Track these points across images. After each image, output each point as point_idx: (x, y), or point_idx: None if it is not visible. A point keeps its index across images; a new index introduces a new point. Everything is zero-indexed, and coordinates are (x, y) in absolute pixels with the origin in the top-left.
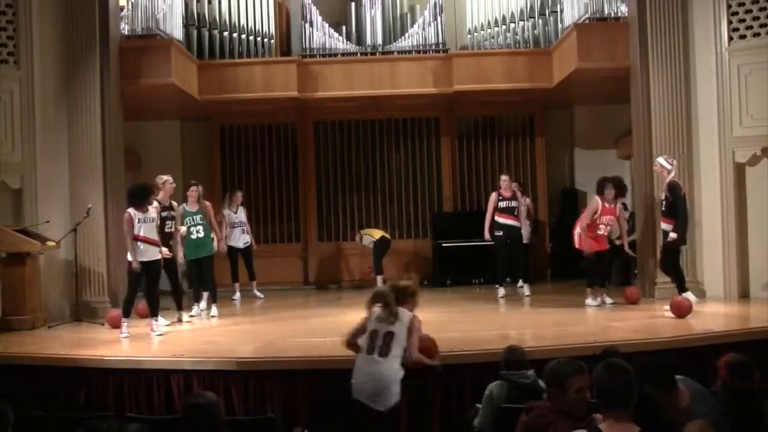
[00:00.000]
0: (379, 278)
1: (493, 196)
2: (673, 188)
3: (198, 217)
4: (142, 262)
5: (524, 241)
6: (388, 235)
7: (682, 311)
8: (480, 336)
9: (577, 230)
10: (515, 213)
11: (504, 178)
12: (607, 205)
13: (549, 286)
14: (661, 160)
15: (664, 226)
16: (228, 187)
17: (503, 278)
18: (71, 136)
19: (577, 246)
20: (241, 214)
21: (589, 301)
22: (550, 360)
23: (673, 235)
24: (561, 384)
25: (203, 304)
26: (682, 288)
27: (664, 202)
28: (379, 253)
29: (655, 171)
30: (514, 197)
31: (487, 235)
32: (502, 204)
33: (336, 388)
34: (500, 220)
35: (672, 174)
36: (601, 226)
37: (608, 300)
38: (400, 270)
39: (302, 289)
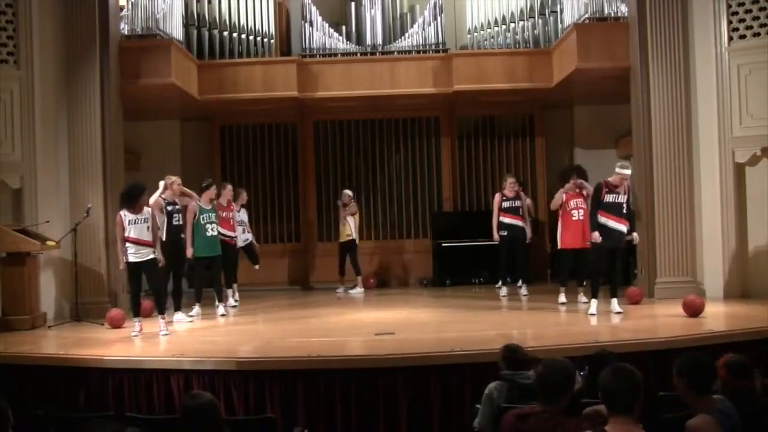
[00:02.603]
0: (342, 285)
1: (497, 197)
2: None
3: (213, 215)
4: (134, 263)
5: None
6: (354, 237)
7: (695, 309)
8: (480, 336)
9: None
10: (519, 212)
11: (511, 180)
12: (570, 191)
13: (549, 286)
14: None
15: (624, 227)
16: None
17: (506, 277)
18: (71, 136)
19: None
20: (243, 215)
21: (580, 297)
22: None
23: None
24: (570, 380)
25: (231, 300)
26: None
27: (625, 204)
28: (344, 255)
29: (625, 180)
30: (517, 197)
31: (496, 236)
32: (506, 204)
33: (335, 388)
34: (505, 220)
35: None
36: (573, 212)
37: (582, 298)
38: (400, 270)
39: (302, 289)
